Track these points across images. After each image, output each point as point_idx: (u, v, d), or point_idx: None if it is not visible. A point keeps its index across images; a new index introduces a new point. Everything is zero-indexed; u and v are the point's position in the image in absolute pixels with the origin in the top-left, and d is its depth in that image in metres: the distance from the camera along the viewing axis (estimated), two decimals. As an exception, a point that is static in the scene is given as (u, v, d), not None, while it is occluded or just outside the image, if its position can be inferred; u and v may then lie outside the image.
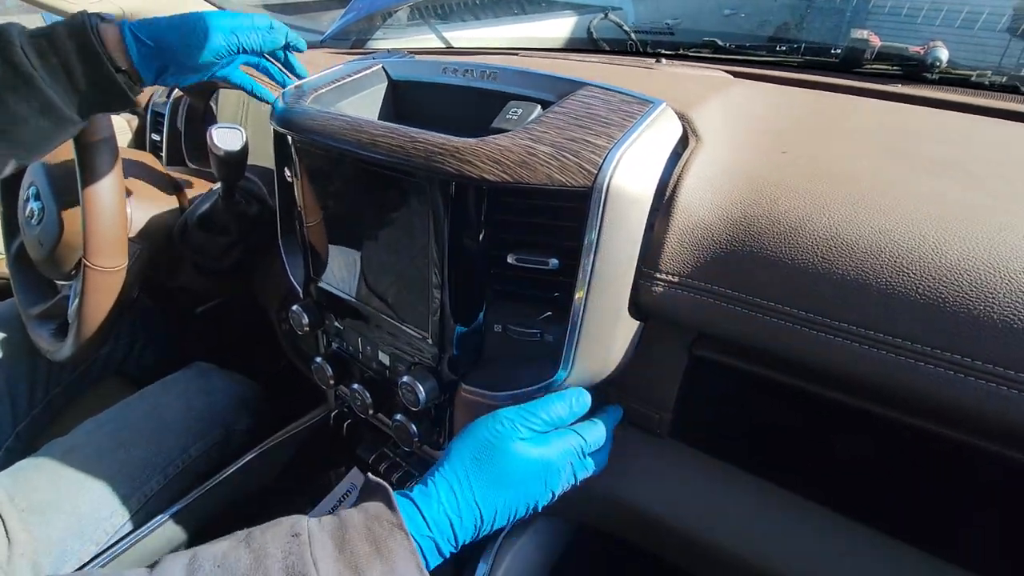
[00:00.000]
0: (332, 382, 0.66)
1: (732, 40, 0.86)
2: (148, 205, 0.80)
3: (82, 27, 0.51)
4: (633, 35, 0.93)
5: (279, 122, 0.59)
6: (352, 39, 1.20)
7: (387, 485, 0.43)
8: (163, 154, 1.12)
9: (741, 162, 0.48)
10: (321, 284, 0.63)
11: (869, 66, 0.74)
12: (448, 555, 0.43)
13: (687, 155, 0.48)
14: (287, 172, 0.65)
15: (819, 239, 0.41)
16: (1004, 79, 0.68)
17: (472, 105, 0.59)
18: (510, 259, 0.47)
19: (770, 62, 0.79)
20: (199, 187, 0.89)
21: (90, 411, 0.79)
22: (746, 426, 0.51)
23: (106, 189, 0.63)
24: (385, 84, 0.65)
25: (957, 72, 0.70)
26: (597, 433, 0.49)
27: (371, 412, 0.63)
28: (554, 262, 0.46)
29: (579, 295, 0.45)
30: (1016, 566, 0.41)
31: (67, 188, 0.72)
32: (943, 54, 0.74)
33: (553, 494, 0.47)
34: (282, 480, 0.79)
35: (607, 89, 0.50)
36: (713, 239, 0.45)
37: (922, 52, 0.75)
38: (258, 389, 0.87)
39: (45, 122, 0.51)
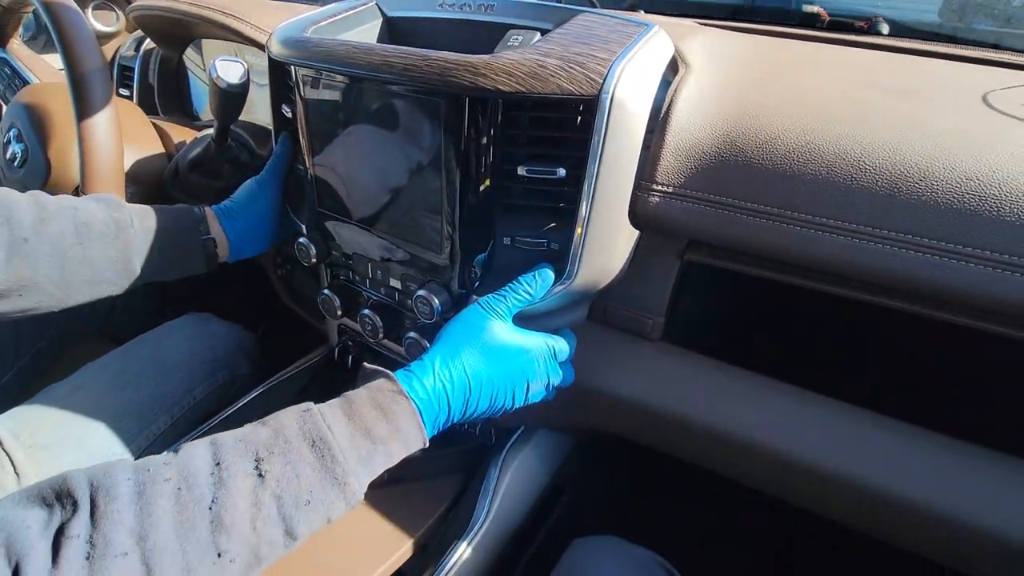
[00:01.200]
0: (339, 313, 0.69)
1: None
2: (135, 149, 0.79)
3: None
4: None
5: (280, 53, 0.60)
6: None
7: (383, 369, 0.47)
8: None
9: (725, 87, 0.54)
10: (329, 215, 0.65)
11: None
12: (442, 426, 0.48)
13: (677, 80, 0.54)
14: (285, 108, 0.66)
15: (793, 147, 0.48)
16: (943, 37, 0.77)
17: (469, 37, 0.61)
18: (520, 171, 0.51)
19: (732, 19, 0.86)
20: (181, 135, 0.88)
21: (76, 365, 0.79)
22: (732, 322, 0.58)
23: (104, 121, 0.63)
24: (380, 20, 0.67)
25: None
26: (564, 344, 0.55)
27: (380, 337, 0.66)
28: (561, 171, 0.50)
29: (584, 200, 0.49)
30: (988, 424, 0.48)
31: (53, 127, 0.71)
32: (884, 28, 0.82)
33: (528, 385, 0.51)
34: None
35: (603, 14, 0.54)
36: (703, 152, 0.51)
37: (866, 27, 0.83)
38: (254, 338, 0.88)
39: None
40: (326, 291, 0.68)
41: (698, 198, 0.51)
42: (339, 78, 0.56)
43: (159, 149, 0.82)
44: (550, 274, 0.52)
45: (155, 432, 0.73)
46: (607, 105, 0.46)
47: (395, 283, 0.63)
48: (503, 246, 0.56)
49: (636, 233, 0.55)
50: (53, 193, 0.74)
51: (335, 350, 0.77)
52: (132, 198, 0.75)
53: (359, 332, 0.69)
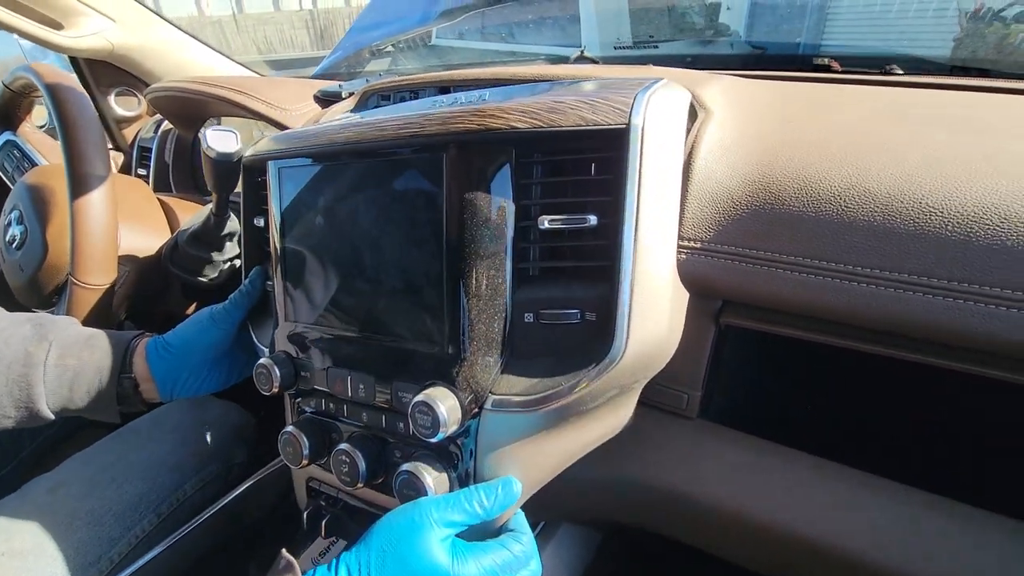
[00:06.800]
0: (306, 460, 0.53)
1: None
2: (138, 228, 0.78)
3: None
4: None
5: (255, 153, 0.56)
6: (343, 71, 1.23)
7: (296, 564, 0.43)
8: (150, 187, 1.10)
9: (751, 129, 0.49)
10: (299, 326, 0.54)
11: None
12: None
13: (698, 125, 0.49)
14: (257, 220, 0.61)
15: (839, 189, 0.41)
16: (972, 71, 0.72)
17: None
18: (543, 224, 0.43)
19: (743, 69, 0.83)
20: (188, 211, 0.87)
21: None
22: (779, 395, 0.49)
23: (98, 202, 0.61)
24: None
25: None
26: (524, 547, 0.45)
27: (360, 484, 0.50)
28: (592, 219, 0.42)
29: (625, 251, 0.41)
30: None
31: (55, 208, 0.70)
32: (899, 71, 0.78)
33: None
34: (278, 511, 0.73)
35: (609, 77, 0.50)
36: (733, 201, 0.45)
37: (880, 73, 0.79)
38: (252, 419, 0.82)
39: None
40: (289, 429, 0.53)
41: (732, 253, 0.44)
42: (320, 162, 0.50)
43: (162, 228, 0.80)
44: (516, 489, 0.45)
45: (139, 533, 0.66)
46: (639, 134, 0.40)
47: (384, 396, 0.49)
48: (525, 325, 0.45)
49: (686, 294, 0.46)
50: (45, 279, 0.72)
51: (305, 516, 0.59)
52: (127, 276, 0.72)
53: (332, 485, 0.57)
